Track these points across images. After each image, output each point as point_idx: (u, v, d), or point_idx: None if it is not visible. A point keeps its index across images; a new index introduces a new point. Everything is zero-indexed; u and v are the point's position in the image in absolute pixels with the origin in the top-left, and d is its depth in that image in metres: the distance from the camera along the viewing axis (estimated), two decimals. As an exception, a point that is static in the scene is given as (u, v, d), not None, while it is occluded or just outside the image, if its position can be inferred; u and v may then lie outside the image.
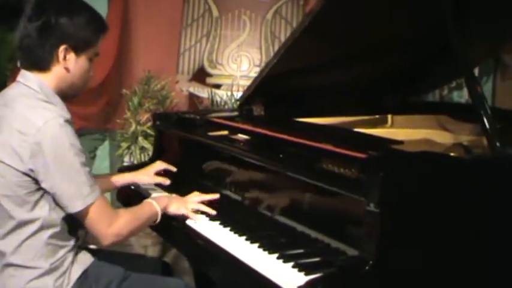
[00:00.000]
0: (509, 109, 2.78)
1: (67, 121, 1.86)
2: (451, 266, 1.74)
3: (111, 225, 1.92)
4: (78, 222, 1.93)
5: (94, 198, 1.88)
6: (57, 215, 1.91)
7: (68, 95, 1.99)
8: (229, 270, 1.91)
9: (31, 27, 1.90)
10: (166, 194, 2.39)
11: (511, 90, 4.40)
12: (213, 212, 2.17)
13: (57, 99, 1.93)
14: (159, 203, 2.13)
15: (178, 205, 2.17)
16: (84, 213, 1.88)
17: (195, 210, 2.17)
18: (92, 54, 2.00)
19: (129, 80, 4.41)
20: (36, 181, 1.85)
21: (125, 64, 4.48)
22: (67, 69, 1.94)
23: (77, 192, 1.85)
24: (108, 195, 4.24)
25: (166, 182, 2.51)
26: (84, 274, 1.96)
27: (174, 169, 2.53)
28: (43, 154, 1.81)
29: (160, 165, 2.57)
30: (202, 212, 2.18)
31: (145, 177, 2.53)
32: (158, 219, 2.11)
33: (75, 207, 1.86)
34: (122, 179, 2.51)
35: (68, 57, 1.93)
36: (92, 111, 4.35)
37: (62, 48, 1.91)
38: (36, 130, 1.81)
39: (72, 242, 1.96)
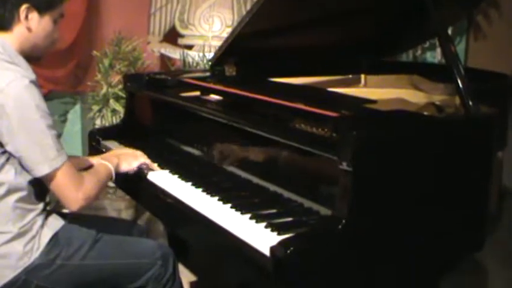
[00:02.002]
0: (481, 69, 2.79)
1: (32, 82, 1.81)
2: (424, 223, 1.75)
3: (80, 189, 1.87)
4: (46, 185, 1.89)
5: (61, 162, 1.83)
6: (24, 179, 1.87)
7: (31, 57, 1.95)
8: (203, 232, 1.90)
9: None
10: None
11: (484, 50, 4.41)
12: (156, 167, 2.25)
13: (21, 59, 1.89)
14: (112, 162, 2.11)
15: (129, 161, 2.19)
16: (50, 177, 1.84)
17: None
18: (57, 15, 1.96)
19: (99, 42, 4.33)
20: (0, 144, 1.81)
21: (94, 25, 4.39)
22: (29, 29, 1.90)
23: (43, 155, 1.81)
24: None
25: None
26: (55, 237, 1.93)
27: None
28: (7, 116, 1.77)
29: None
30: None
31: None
32: (113, 179, 2.11)
33: (40, 171, 1.82)
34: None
35: (30, 16, 1.89)
36: (61, 74, 4.27)
37: (23, 7, 1.87)
38: None
39: (40, 206, 1.94)
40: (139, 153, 2.27)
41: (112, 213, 3.87)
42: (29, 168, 1.84)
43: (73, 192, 1.86)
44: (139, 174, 2.22)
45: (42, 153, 1.81)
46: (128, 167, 2.18)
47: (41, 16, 1.91)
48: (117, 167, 2.13)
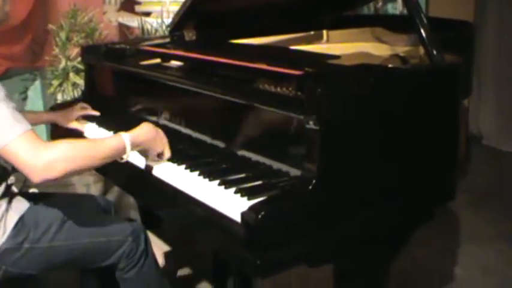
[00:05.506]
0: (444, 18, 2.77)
1: None
2: (397, 176, 1.74)
3: (40, 155, 1.61)
4: (6, 168, 1.82)
5: (22, 131, 1.63)
6: None
7: None
8: (172, 203, 1.86)
9: None
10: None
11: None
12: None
13: None
14: (135, 137, 1.86)
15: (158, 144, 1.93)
16: (8, 148, 1.62)
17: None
18: None
19: (55, 15, 4.26)
20: None
21: (48, -2, 4.29)
22: None
23: None
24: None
25: (83, 127, 2.45)
26: (21, 221, 1.87)
27: (96, 113, 2.44)
28: None
29: (81, 109, 2.53)
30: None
31: (64, 120, 2.48)
32: (126, 156, 1.83)
33: None
34: (38, 119, 2.45)
35: None
36: (17, 50, 4.18)
37: None
38: None
39: (1, 189, 1.86)
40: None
41: (81, 188, 3.82)
42: None
43: (31, 160, 1.61)
44: None
45: None
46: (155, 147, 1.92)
47: None
48: (142, 143, 1.88)
